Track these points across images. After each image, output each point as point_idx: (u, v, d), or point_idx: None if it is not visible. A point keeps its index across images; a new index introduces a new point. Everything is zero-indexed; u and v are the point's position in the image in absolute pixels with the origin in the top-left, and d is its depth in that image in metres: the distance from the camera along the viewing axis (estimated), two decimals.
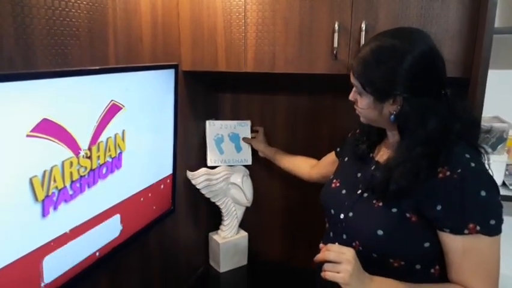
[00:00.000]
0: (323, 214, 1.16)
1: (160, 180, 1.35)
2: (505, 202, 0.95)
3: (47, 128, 0.85)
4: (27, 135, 0.81)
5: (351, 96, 1.03)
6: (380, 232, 0.94)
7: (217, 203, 1.71)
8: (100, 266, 1.12)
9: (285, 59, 1.34)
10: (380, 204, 0.97)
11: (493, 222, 0.86)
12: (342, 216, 1.05)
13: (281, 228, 1.87)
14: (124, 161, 1.14)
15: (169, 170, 1.41)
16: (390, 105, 0.95)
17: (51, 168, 0.88)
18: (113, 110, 1.06)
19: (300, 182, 1.57)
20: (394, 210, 0.94)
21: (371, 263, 0.92)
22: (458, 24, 1.15)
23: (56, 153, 0.89)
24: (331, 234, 1.11)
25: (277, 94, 1.75)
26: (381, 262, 0.96)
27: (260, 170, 1.81)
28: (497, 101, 1.37)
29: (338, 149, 1.35)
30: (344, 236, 1.04)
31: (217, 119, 1.77)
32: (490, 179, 0.89)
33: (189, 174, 1.58)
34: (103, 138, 1.04)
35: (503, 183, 1.39)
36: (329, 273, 0.86)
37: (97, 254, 1.10)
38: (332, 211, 1.09)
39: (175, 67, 1.33)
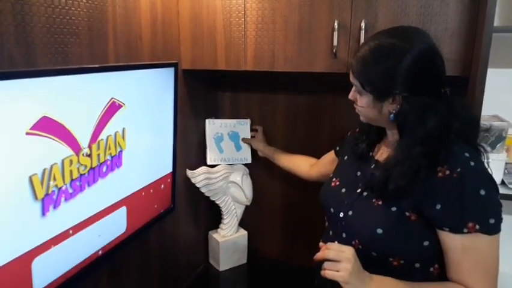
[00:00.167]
0: (323, 213, 1.16)
1: (160, 179, 1.35)
2: (504, 201, 0.95)
3: (47, 126, 0.85)
4: (27, 133, 0.81)
5: (350, 95, 1.03)
6: (379, 231, 0.94)
7: (217, 202, 1.71)
8: (101, 264, 1.12)
9: (285, 58, 1.34)
10: (380, 203, 0.97)
11: (492, 221, 0.86)
12: (341, 215, 1.05)
13: (281, 226, 1.87)
14: (124, 159, 1.14)
15: (168, 169, 1.41)
16: (390, 104, 0.95)
17: (51, 166, 0.88)
18: (114, 108, 1.06)
19: (299, 181, 1.57)
20: (393, 209, 0.94)
21: (370, 262, 0.92)
22: (458, 23, 1.15)
23: (55, 151, 0.89)
24: (330, 232, 1.11)
25: (276, 93, 1.75)
26: (381, 261, 0.97)
27: (260, 168, 1.81)
28: (497, 100, 1.38)
29: (338, 148, 1.35)
30: (344, 235, 1.04)
31: (216, 117, 1.77)
32: (489, 178, 0.89)
33: (189, 172, 1.58)
34: (103, 136, 1.04)
35: (502, 182, 1.39)
36: (329, 272, 0.86)
37: (100, 252, 1.11)
38: (332, 210, 1.09)
39: (175, 65, 1.33)
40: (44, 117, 0.84)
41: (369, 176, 1.02)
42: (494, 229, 0.86)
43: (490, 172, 0.91)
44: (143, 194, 1.26)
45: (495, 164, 1.22)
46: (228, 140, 1.74)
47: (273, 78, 1.62)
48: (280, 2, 1.31)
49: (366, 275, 0.89)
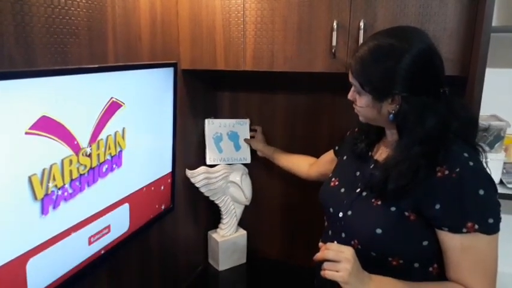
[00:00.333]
0: (322, 213, 1.16)
1: (159, 179, 1.36)
2: (503, 200, 0.96)
3: (46, 126, 0.85)
4: (26, 133, 0.81)
5: (349, 95, 1.03)
6: (378, 231, 0.95)
7: (216, 202, 1.71)
8: (100, 264, 1.12)
9: (284, 58, 1.35)
10: (379, 202, 0.97)
11: (491, 220, 0.86)
12: (341, 214, 1.05)
13: (280, 226, 1.87)
14: (124, 159, 1.14)
15: (168, 169, 1.41)
16: (389, 104, 0.95)
17: (51, 166, 0.88)
18: (113, 107, 1.06)
19: (298, 181, 1.57)
20: (393, 208, 0.94)
21: (369, 262, 0.93)
22: (456, 23, 1.16)
23: (55, 151, 0.89)
24: (330, 232, 1.11)
25: (276, 93, 1.75)
26: (380, 260, 0.97)
27: (259, 168, 1.81)
28: (495, 100, 1.38)
29: (337, 147, 1.35)
30: (343, 235, 1.04)
31: (216, 117, 1.77)
32: (488, 177, 0.90)
33: (188, 172, 1.58)
34: (103, 136, 1.04)
35: (501, 182, 1.39)
36: (328, 272, 0.86)
37: (102, 251, 1.11)
38: (331, 209, 1.09)
39: (174, 65, 1.33)
40: (44, 116, 0.84)
41: (369, 175, 1.03)
42: (493, 229, 0.87)
43: (489, 172, 0.91)
44: (143, 193, 1.26)
45: (493, 163, 1.22)
46: (227, 140, 1.74)
47: (272, 78, 1.62)
48: (280, 2, 1.31)
49: (366, 275, 0.89)
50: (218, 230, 1.80)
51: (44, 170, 0.86)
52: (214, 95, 1.83)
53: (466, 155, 0.90)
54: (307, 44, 1.31)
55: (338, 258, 0.86)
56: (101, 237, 1.10)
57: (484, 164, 0.92)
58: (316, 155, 1.51)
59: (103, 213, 1.09)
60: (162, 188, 1.38)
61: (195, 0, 1.41)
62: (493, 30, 1.11)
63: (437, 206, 0.89)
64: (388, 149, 1.04)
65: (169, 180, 1.42)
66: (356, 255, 0.89)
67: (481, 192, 0.86)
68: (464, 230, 0.86)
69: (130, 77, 1.13)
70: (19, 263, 0.84)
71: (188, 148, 1.63)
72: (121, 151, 1.12)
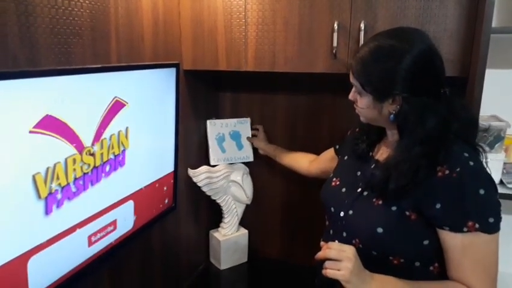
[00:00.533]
0: (323, 212, 1.17)
1: (161, 178, 1.36)
2: (503, 200, 0.96)
3: (50, 124, 0.85)
4: (30, 131, 0.81)
5: (350, 96, 1.03)
6: (379, 230, 0.95)
7: (218, 201, 1.72)
8: (102, 263, 1.13)
9: (285, 58, 1.35)
10: (380, 202, 0.98)
11: (491, 220, 0.87)
12: (342, 214, 1.06)
13: (281, 225, 1.88)
14: (127, 158, 1.14)
15: (170, 168, 1.41)
16: (390, 105, 0.95)
17: (55, 165, 0.88)
18: (117, 106, 1.07)
19: (300, 180, 1.58)
20: (394, 208, 0.95)
21: (370, 261, 0.93)
22: (456, 24, 1.16)
23: (59, 149, 0.89)
24: (331, 232, 1.12)
25: (277, 93, 1.76)
26: (381, 260, 0.97)
27: (260, 168, 1.81)
28: (495, 100, 1.39)
29: (337, 146, 1.36)
30: (344, 234, 1.05)
31: (217, 117, 1.78)
32: (489, 177, 0.90)
33: (190, 172, 1.59)
34: (106, 135, 1.04)
35: (501, 182, 1.40)
36: (330, 271, 0.87)
37: (105, 250, 1.12)
38: (332, 209, 1.10)
39: (177, 66, 1.34)
40: (48, 115, 0.84)
41: (369, 175, 1.03)
42: (493, 228, 0.87)
43: (489, 172, 0.92)
44: (145, 193, 1.27)
45: (493, 163, 1.23)
46: (229, 140, 1.75)
47: (273, 79, 1.63)
48: (281, 3, 1.32)
49: (367, 274, 0.90)
50: (219, 229, 1.81)
51: (48, 168, 0.86)
52: (216, 96, 1.84)
53: (466, 154, 0.90)
54: (308, 45, 1.31)
55: (339, 257, 0.87)
56: (105, 235, 1.11)
57: (484, 164, 0.93)
58: (317, 154, 1.52)
59: (106, 212, 1.09)
60: (164, 187, 1.39)
61: (197, 1, 1.42)
62: (493, 31, 1.12)
63: (438, 206, 0.89)
64: (389, 149, 1.05)
65: (171, 180, 1.43)
66: (357, 254, 0.89)
67: (482, 191, 0.87)
68: (465, 229, 0.87)
69: (133, 77, 1.14)
70: (21, 262, 0.85)
71: (190, 148, 1.64)
72: (124, 150, 1.12)
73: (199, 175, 1.59)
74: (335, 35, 1.25)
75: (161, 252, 1.50)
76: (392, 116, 0.96)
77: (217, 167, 1.69)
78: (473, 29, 1.14)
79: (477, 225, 0.86)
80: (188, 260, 1.72)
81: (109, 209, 1.11)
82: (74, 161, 0.94)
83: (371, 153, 1.10)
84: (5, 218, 0.79)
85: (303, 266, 1.69)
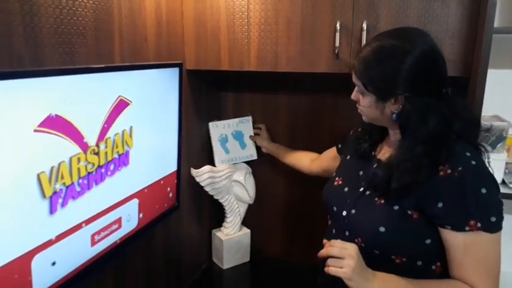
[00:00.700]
0: (325, 211, 1.17)
1: (164, 177, 1.37)
2: (505, 200, 0.96)
3: (55, 123, 0.86)
4: (35, 130, 0.81)
5: (353, 96, 1.04)
6: (382, 229, 0.96)
7: (220, 200, 1.72)
8: (106, 261, 1.13)
9: (288, 58, 1.36)
10: (382, 201, 0.98)
11: (493, 219, 0.87)
12: (344, 213, 1.06)
13: (283, 225, 1.88)
14: (131, 158, 1.15)
15: (173, 167, 1.42)
16: (392, 105, 0.96)
17: (59, 164, 0.89)
18: (121, 105, 1.08)
19: (302, 180, 1.58)
20: (396, 207, 0.95)
21: (373, 260, 0.93)
22: (458, 24, 1.16)
23: (63, 149, 0.90)
24: (333, 231, 1.12)
25: (279, 93, 1.76)
26: (383, 258, 0.98)
27: (263, 167, 1.82)
28: (497, 100, 1.39)
29: (340, 146, 1.36)
30: (347, 233, 1.05)
31: (219, 117, 1.78)
32: (491, 176, 0.91)
33: (193, 171, 1.59)
34: (110, 134, 1.05)
35: (503, 182, 1.40)
36: (332, 268, 0.87)
37: (109, 249, 1.12)
38: (335, 208, 1.10)
39: (180, 66, 1.34)
40: (52, 115, 0.85)
41: (372, 175, 1.03)
42: (495, 227, 0.88)
43: (491, 171, 0.92)
44: (148, 192, 1.28)
45: (496, 163, 1.22)
46: (232, 140, 1.75)
47: (276, 79, 1.63)
48: (283, 3, 1.32)
49: (370, 272, 0.90)
50: (222, 228, 1.81)
51: (52, 167, 0.87)
52: (218, 96, 1.85)
53: (468, 154, 0.90)
54: (310, 45, 1.32)
55: (341, 254, 0.87)
56: (110, 234, 1.11)
57: (487, 164, 0.93)
58: (319, 153, 1.52)
59: (111, 210, 1.10)
60: (168, 187, 1.39)
61: (200, 1, 1.42)
62: (495, 31, 1.12)
63: (440, 205, 0.90)
64: (391, 148, 1.05)
65: (174, 179, 1.43)
66: (360, 253, 0.89)
67: (484, 190, 0.87)
68: (467, 228, 0.87)
69: (136, 77, 1.15)
70: (25, 260, 0.85)
71: (193, 147, 1.64)
72: (128, 150, 1.13)
73: (202, 175, 1.60)
74: (337, 35, 1.26)
75: (164, 251, 1.50)
76: (394, 115, 0.96)
77: (219, 166, 1.69)
78: (475, 29, 1.14)
79: (479, 224, 0.86)
80: (190, 259, 1.73)
81: (113, 207, 1.11)
82: (79, 160, 0.94)
83: (373, 153, 1.11)
84: (10, 217, 0.80)
85: (305, 266, 1.69)
